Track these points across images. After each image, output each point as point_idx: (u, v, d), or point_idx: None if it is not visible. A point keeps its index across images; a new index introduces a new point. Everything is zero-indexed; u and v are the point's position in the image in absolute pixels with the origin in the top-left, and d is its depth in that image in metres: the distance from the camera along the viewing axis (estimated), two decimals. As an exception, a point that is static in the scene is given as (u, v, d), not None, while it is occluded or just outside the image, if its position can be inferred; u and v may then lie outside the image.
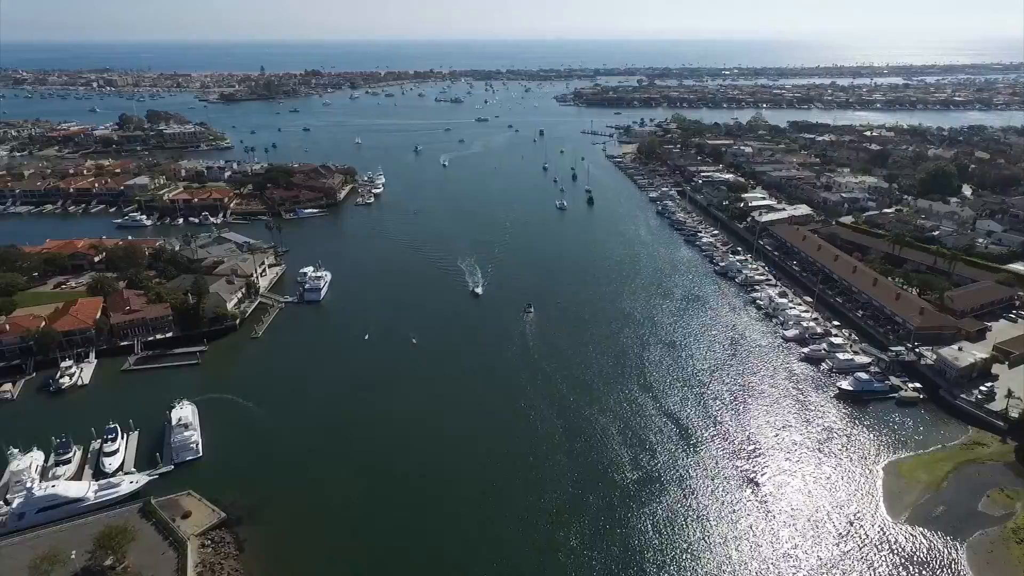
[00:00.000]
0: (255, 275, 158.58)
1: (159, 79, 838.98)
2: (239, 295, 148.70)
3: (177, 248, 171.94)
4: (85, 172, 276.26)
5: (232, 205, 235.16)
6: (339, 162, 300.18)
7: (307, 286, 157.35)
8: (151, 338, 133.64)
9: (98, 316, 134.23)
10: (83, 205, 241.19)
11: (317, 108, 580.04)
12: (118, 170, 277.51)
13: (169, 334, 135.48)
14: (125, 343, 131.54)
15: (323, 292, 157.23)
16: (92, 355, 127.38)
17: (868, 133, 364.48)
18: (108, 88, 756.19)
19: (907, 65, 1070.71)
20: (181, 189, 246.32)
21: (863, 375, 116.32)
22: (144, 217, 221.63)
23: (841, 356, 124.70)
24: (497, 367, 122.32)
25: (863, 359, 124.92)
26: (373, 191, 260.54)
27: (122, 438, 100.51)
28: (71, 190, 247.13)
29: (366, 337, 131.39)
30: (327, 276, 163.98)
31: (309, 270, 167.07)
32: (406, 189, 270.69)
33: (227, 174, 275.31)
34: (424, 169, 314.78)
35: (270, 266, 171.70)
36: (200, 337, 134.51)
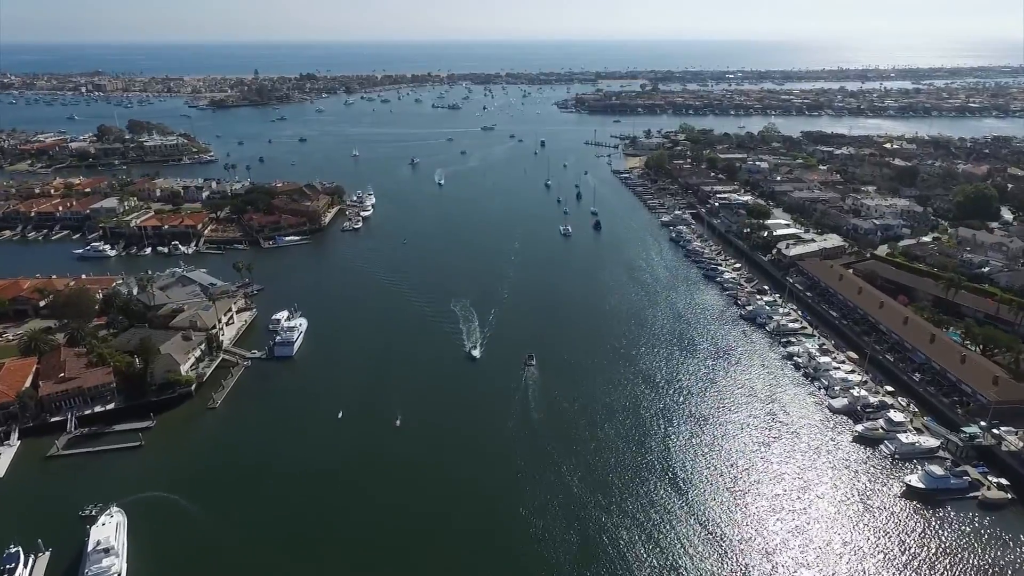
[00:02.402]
0: (218, 326, 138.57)
1: (150, 83, 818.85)
2: (197, 353, 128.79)
3: (134, 292, 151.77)
4: (53, 191, 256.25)
5: (206, 232, 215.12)
6: (330, 178, 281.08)
7: (278, 339, 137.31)
8: (89, 411, 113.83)
9: (26, 385, 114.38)
10: (44, 231, 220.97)
11: (310, 115, 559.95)
12: (88, 189, 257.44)
13: (111, 405, 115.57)
14: (57, 418, 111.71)
15: (296, 345, 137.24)
16: (15, 436, 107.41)
17: (889, 146, 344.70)
18: (97, 93, 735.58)
19: (913, 68, 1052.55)
20: (151, 214, 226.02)
21: (936, 469, 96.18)
22: (108, 247, 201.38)
23: (903, 438, 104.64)
24: (496, 456, 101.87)
25: (930, 442, 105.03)
26: (362, 213, 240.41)
27: (25, 567, 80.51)
28: (32, 214, 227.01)
29: (339, 416, 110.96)
30: (302, 325, 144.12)
31: (283, 316, 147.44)
32: (398, 210, 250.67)
33: (205, 194, 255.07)
34: (419, 186, 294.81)
35: (239, 311, 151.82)
36: (147, 409, 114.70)
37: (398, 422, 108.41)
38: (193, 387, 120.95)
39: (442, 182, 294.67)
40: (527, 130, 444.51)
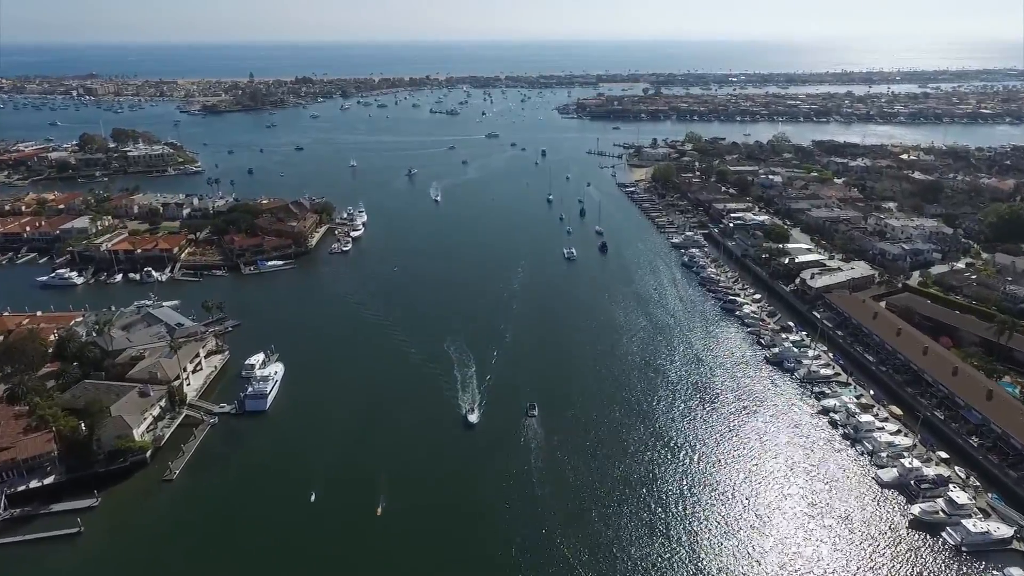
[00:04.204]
0: (182, 376, 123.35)
1: (143, 87, 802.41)
2: (156, 411, 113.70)
3: (93, 335, 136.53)
4: (24, 208, 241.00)
5: (183, 256, 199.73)
6: (321, 191, 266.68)
7: (250, 390, 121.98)
8: (24, 487, 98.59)
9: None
10: (10, 254, 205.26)
11: (304, 121, 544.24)
12: (61, 206, 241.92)
13: (51, 479, 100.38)
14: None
15: (271, 397, 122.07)
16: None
17: (906, 157, 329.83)
18: (87, 97, 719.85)
19: (918, 71, 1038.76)
20: (125, 235, 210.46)
21: (1019, 573, 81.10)
22: (75, 274, 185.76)
23: (970, 526, 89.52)
24: (496, 556, 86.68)
25: (1002, 530, 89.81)
26: (352, 234, 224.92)
27: None
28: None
29: (312, 499, 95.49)
30: (278, 372, 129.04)
31: (257, 361, 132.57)
32: (391, 230, 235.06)
33: (186, 212, 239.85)
34: (415, 201, 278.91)
35: (209, 355, 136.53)
36: (92, 483, 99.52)
37: (380, 509, 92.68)
38: (148, 453, 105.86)
39: (439, 198, 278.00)
40: (528, 138, 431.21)
